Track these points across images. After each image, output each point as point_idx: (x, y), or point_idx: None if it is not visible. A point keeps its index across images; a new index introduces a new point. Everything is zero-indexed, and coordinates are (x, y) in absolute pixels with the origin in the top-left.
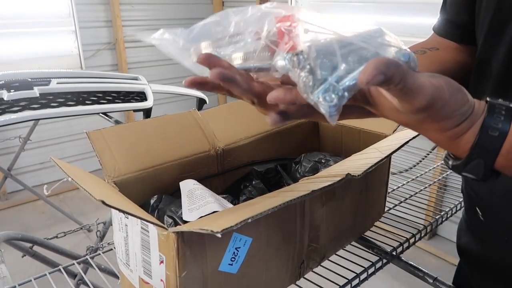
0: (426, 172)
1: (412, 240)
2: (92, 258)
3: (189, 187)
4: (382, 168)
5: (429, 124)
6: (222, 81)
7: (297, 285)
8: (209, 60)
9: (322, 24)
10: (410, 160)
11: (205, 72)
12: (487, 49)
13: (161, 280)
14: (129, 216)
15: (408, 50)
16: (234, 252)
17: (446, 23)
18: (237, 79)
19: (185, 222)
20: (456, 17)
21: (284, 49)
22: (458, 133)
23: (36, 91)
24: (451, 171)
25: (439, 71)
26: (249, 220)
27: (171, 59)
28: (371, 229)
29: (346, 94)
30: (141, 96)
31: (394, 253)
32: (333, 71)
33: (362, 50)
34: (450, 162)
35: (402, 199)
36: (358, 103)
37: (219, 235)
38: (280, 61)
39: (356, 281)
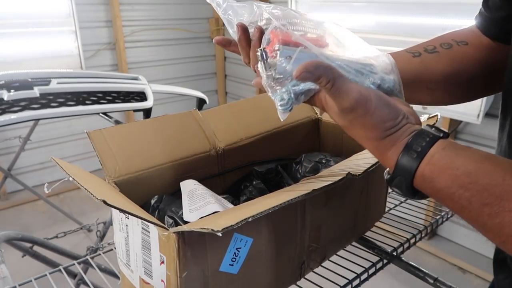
0: None
1: (412, 240)
2: (92, 258)
3: (190, 187)
4: (382, 168)
5: (357, 130)
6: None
7: (297, 285)
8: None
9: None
10: None
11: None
12: None
13: (162, 280)
14: (130, 216)
15: (392, 77)
16: (234, 253)
17: (485, 17)
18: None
19: (185, 222)
20: (494, 13)
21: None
22: (381, 147)
23: (36, 91)
24: None
25: (457, 70)
26: (250, 219)
27: (171, 59)
28: (371, 229)
29: (302, 98)
30: (141, 96)
31: (394, 253)
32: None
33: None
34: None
35: (403, 199)
36: (316, 106)
37: (219, 234)
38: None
39: (357, 281)
